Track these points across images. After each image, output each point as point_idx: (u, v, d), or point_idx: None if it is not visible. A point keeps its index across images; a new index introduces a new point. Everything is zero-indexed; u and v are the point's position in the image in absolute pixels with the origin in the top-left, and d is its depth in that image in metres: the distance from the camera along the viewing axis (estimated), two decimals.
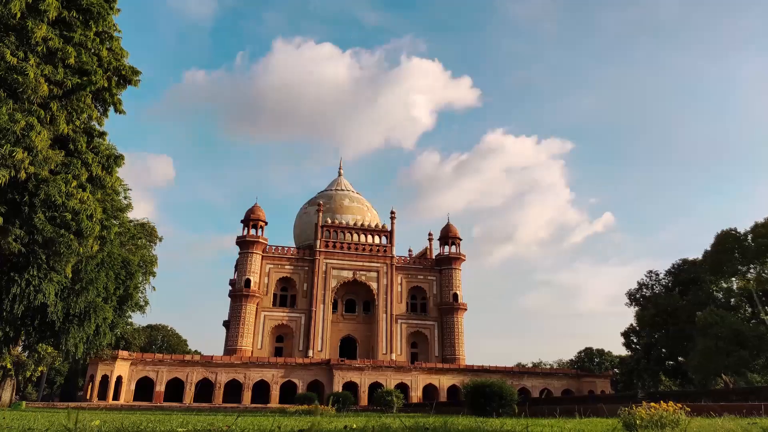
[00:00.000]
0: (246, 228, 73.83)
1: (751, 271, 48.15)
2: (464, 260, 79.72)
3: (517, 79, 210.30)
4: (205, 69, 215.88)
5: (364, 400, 57.57)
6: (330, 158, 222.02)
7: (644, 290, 64.71)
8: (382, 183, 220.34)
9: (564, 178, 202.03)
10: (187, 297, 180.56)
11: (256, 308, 70.53)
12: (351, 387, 58.50)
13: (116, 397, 54.56)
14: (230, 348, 67.79)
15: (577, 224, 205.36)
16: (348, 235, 78.29)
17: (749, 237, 47.38)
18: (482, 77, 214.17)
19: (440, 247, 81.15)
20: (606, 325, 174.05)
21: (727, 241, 48.78)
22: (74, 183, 19.51)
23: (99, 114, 22.23)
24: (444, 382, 63.70)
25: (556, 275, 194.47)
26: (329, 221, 78.13)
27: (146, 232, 49.99)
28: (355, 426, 10.85)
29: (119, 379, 55.24)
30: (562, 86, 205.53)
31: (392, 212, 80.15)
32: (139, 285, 36.18)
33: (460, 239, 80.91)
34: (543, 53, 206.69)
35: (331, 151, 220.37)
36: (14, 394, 55.87)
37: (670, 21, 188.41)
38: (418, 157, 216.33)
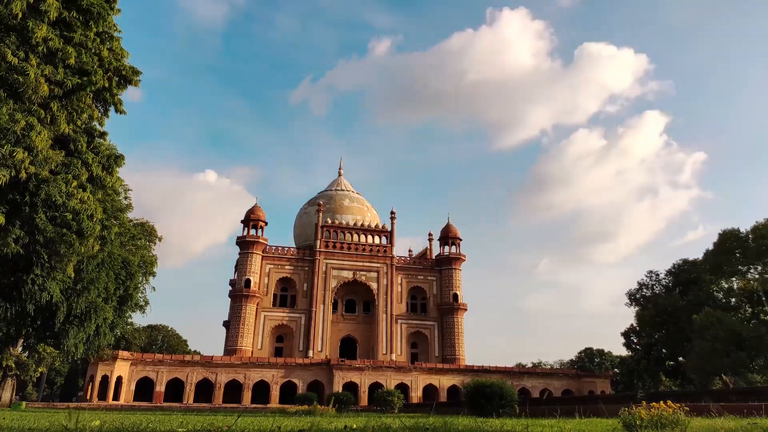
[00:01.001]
0: (246, 228, 73.85)
1: (752, 270, 48.19)
2: (464, 260, 79.72)
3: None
4: (397, 42, 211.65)
5: (364, 400, 57.54)
6: (482, 143, 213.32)
7: (644, 290, 64.69)
8: (516, 171, 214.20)
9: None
10: (187, 297, 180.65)
11: (256, 308, 70.52)
12: (351, 387, 58.49)
13: (116, 397, 54.54)
14: (230, 348, 67.79)
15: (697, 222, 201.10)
16: (348, 235, 78.30)
17: (750, 237, 47.42)
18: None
19: (440, 247, 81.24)
20: (606, 325, 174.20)
21: (729, 240, 48.78)
22: (75, 183, 19.53)
23: (100, 114, 22.26)
24: (444, 382, 63.68)
25: (557, 276, 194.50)
26: (329, 221, 78.14)
27: (146, 232, 50.03)
28: (355, 426, 10.85)
29: (119, 379, 55.23)
30: None
31: (392, 212, 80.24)
32: (139, 285, 36.25)
33: (460, 239, 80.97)
34: None
35: (485, 137, 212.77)
36: (14, 394, 55.84)
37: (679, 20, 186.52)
38: (554, 147, 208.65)
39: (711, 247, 52.21)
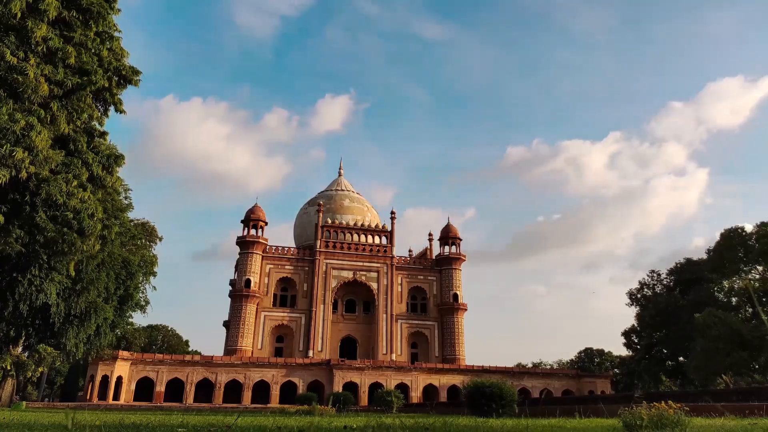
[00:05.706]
0: (246, 228, 73.80)
1: (753, 271, 48.16)
2: (464, 260, 79.72)
3: None
4: None
5: (364, 400, 57.51)
6: None
7: (645, 290, 64.65)
8: None
9: None
10: (187, 297, 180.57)
11: (256, 308, 70.50)
12: (351, 387, 58.47)
13: (116, 397, 54.53)
14: (230, 348, 67.78)
15: None
16: (348, 235, 78.26)
17: (753, 236, 47.36)
18: None
19: (440, 247, 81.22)
20: (607, 325, 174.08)
21: (732, 239, 48.70)
22: (75, 182, 19.52)
23: (100, 114, 22.25)
24: (444, 382, 63.64)
25: (554, 278, 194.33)
26: (329, 221, 78.11)
27: (146, 232, 50.06)
28: (355, 426, 10.84)
29: (119, 379, 55.21)
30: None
31: (392, 212, 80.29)
32: (140, 285, 36.24)
33: (460, 239, 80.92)
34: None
35: None
36: (14, 394, 55.84)
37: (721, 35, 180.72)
38: None
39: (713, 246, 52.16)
